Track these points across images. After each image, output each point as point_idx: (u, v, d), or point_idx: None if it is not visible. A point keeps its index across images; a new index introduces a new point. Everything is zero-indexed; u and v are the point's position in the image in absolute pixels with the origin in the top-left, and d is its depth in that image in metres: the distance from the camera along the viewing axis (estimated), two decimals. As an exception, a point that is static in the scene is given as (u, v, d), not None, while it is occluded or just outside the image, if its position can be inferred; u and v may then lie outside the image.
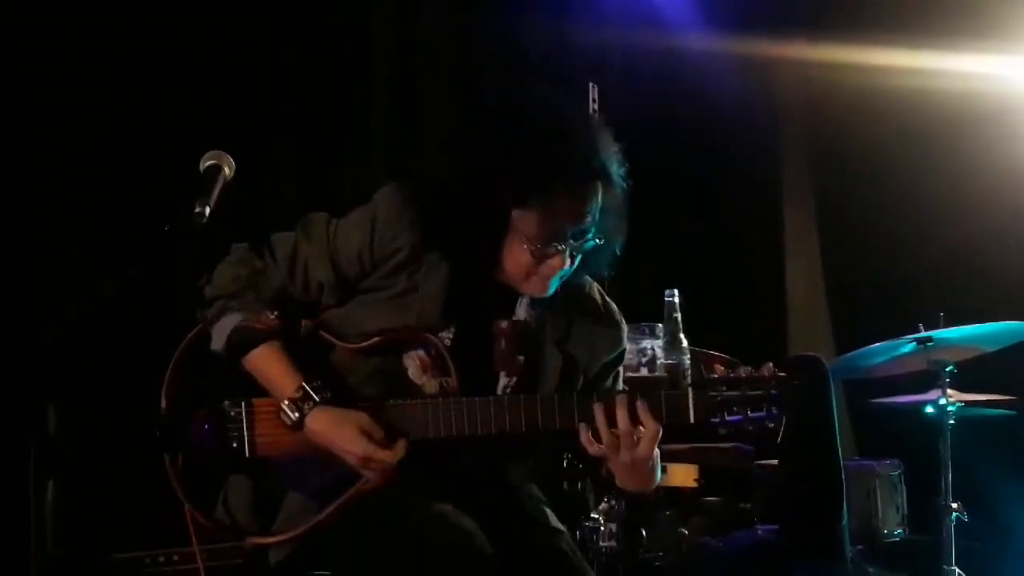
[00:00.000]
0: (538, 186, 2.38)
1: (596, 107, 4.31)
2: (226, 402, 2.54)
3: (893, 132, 5.36)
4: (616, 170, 2.48)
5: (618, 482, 2.46)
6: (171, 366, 2.58)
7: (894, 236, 5.46)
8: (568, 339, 2.59)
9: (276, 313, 2.50)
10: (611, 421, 2.33)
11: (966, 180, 5.16)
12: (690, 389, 2.37)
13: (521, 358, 2.55)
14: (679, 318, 2.62)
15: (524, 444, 2.60)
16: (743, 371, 2.37)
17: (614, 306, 2.70)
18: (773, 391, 2.34)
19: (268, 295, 2.52)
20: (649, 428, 2.32)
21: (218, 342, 2.50)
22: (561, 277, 2.49)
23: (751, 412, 2.34)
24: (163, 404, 2.55)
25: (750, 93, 5.71)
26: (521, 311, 2.57)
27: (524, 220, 2.42)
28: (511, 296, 2.56)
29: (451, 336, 2.49)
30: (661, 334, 2.57)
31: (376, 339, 2.49)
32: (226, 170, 2.43)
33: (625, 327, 2.70)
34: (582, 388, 2.60)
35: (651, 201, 5.59)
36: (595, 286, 2.69)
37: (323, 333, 2.55)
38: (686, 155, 5.73)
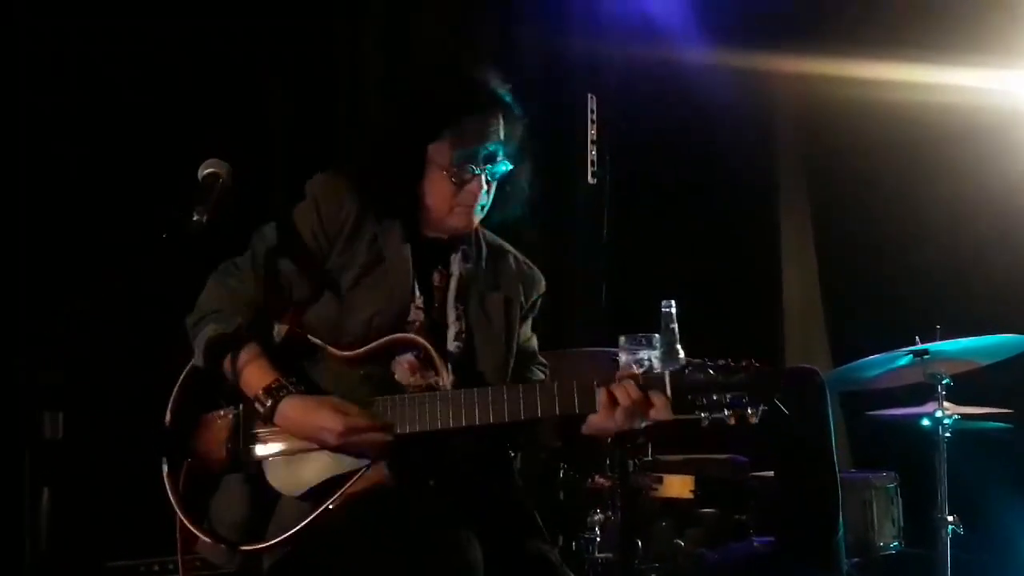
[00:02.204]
0: (445, 114, 2.62)
1: (594, 118, 4.31)
2: (221, 408, 2.57)
3: (889, 145, 5.38)
4: (512, 101, 2.69)
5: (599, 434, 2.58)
6: (179, 382, 2.61)
7: (890, 249, 5.47)
8: (500, 285, 2.78)
9: (247, 320, 2.53)
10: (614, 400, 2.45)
11: (962, 193, 5.17)
12: (667, 371, 2.46)
13: (461, 307, 2.69)
14: (676, 329, 2.61)
15: (515, 441, 2.71)
16: (721, 361, 2.44)
17: (530, 262, 2.92)
18: (751, 377, 2.41)
19: (244, 305, 2.56)
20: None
21: (199, 357, 2.54)
22: (482, 208, 2.68)
23: (729, 397, 2.41)
24: (168, 418, 2.58)
25: (747, 105, 5.73)
26: (455, 267, 2.72)
27: (439, 151, 2.62)
28: (445, 254, 2.72)
29: (421, 304, 2.62)
30: (658, 345, 2.56)
31: (365, 348, 2.54)
32: (224, 178, 2.45)
33: (542, 276, 2.91)
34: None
35: (648, 211, 5.67)
36: (512, 249, 2.89)
37: (311, 338, 2.58)
38: (683, 166, 5.74)
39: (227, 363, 2.51)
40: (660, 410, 2.44)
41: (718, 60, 5.56)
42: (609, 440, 2.74)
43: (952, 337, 4.12)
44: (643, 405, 2.44)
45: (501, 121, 2.64)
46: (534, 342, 2.88)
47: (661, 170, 5.74)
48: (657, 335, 2.60)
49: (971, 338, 4.11)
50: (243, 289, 2.57)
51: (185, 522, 2.52)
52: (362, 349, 2.54)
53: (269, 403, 2.46)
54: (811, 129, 5.89)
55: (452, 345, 2.65)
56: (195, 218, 2.34)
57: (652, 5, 5.66)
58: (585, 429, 2.54)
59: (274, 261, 2.59)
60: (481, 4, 5.24)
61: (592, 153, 4.40)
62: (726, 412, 2.41)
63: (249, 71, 4.41)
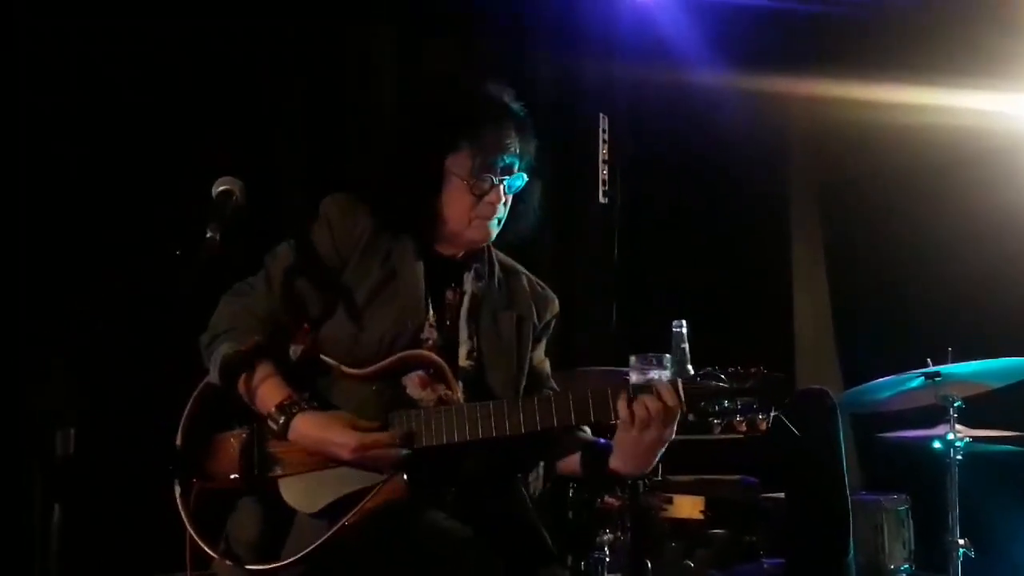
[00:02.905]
0: (465, 125, 2.65)
1: (606, 137, 4.32)
2: (236, 427, 2.57)
3: (900, 167, 5.39)
4: (526, 117, 2.73)
5: (623, 466, 2.56)
6: (191, 401, 2.61)
7: (902, 271, 5.46)
8: (512, 304, 2.79)
9: (261, 338, 2.53)
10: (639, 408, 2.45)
11: (974, 215, 5.16)
12: (679, 379, 2.47)
13: (474, 326, 2.70)
14: (687, 349, 2.62)
15: (529, 457, 2.71)
16: (730, 369, 2.46)
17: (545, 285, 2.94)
18: (761, 383, 2.42)
19: (258, 322, 2.57)
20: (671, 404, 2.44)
21: (214, 375, 2.54)
22: (499, 221, 2.69)
23: (740, 403, 2.42)
24: (179, 437, 2.58)
25: (758, 126, 5.73)
26: (468, 285, 2.73)
27: (457, 162, 2.64)
28: (458, 271, 2.73)
29: (434, 322, 2.63)
30: (668, 364, 2.56)
31: (376, 366, 2.55)
32: (238, 196, 2.46)
33: (556, 298, 2.92)
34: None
35: (658, 232, 5.67)
36: (526, 271, 2.89)
37: (323, 357, 2.58)
38: (695, 188, 5.75)
39: (241, 381, 2.52)
40: (674, 418, 2.45)
41: (730, 82, 5.57)
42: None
43: (964, 359, 4.11)
44: (660, 414, 2.43)
45: (515, 134, 2.68)
46: (547, 366, 2.88)
47: (672, 190, 5.75)
48: (668, 355, 2.60)
49: (983, 360, 4.10)
50: (257, 307, 2.58)
51: (200, 543, 2.51)
52: (373, 367, 2.55)
53: (282, 420, 2.47)
54: (822, 151, 5.89)
55: (464, 363, 2.66)
56: (208, 235, 2.35)
57: (664, 27, 5.68)
58: (612, 463, 2.55)
59: (288, 279, 2.60)
60: (494, 26, 5.26)
61: (603, 173, 4.42)
62: (737, 418, 2.43)
63: (257, 74, 4.41)
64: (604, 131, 4.25)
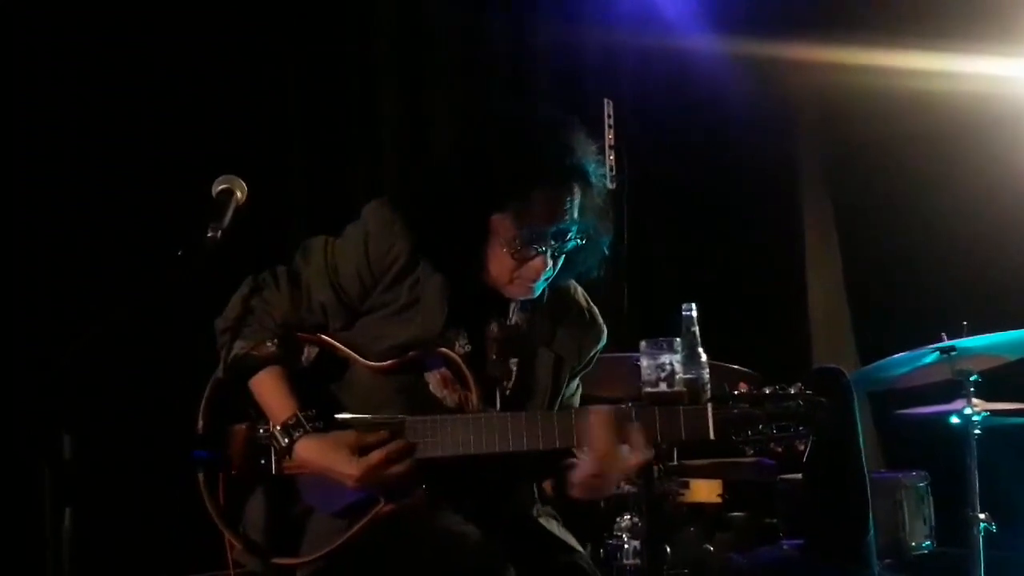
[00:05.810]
0: (512, 190, 2.42)
1: (611, 122, 4.30)
2: (256, 422, 2.55)
3: (912, 138, 5.33)
4: (594, 170, 2.51)
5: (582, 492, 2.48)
6: (209, 386, 2.58)
7: (915, 244, 5.42)
8: (555, 339, 2.64)
9: (276, 342, 2.52)
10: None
11: (987, 186, 5.13)
12: (709, 404, 2.35)
13: (515, 360, 2.58)
14: (697, 332, 2.58)
15: (542, 461, 2.61)
16: (768, 389, 2.35)
17: (596, 310, 2.76)
18: (799, 409, 2.32)
19: (276, 322, 2.55)
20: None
21: (222, 370, 2.52)
22: (546, 279, 2.53)
23: (776, 430, 2.32)
24: (200, 423, 2.55)
25: (767, 103, 5.70)
26: (514, 315, 2.60)
27: (502, 224, 2.46)
28: (504, 300, 2.59)
29: (467, 345, 2.52)
30: (679, 348, 2.52)
31: (398, 360, 2.50)
32: (238, 194, 2.45)
33: (605, 329, 2.76)
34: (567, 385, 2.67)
35: (668, 214, 5.64)
36: (579, 290, 2.74)
37: (342, 347, 2.55)
38: (703, 166, 5.72)
39: (251, 384, 2.51)
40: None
41: (735, 60, 5.54)
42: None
43: (979, 332, 4.08)
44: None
45: (577, 195, 2.46)
46: (576, 399, 2.76)
47: (680, 172, 5.72)
48: (678, 339, 2.57)
49: (998, 333, 4.06)
50: (277, 307, 2.54)
51: (224, 529, 2.50)
52: (394, 360, 2.50)
53: (285, 442, 2.45)
54: (832, 125, 5.85)
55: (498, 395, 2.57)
56: (209, 235, 2.33)
57: (667, 7, 5.65)
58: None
59: (313, 288, 2.55)
60: (496, 12, 5.24)
61: (610, 158, 4.39)
62: (772, 444, 2.33)
63: (261, 89, 4.41)
64: (609, 116, 4.22)
